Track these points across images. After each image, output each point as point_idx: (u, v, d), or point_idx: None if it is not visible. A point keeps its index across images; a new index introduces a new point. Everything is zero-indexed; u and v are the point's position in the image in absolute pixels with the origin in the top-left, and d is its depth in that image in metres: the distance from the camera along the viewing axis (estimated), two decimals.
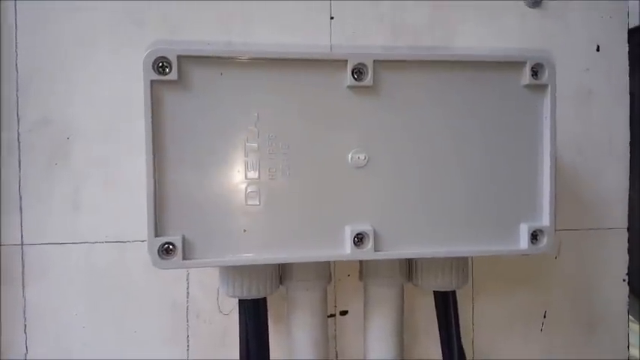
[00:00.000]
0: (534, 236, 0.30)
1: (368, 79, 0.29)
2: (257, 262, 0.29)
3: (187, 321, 0.38)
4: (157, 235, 0.27)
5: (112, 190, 0.37)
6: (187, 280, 0.38)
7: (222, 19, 0.37)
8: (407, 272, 0.35)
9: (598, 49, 0.42)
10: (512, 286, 0.42)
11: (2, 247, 0.36)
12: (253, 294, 0.32)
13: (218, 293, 0.38)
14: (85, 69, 0.36)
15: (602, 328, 0.43)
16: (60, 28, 0.36)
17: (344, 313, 0.40)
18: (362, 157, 0.29)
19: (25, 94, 0.36)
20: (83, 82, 0.36)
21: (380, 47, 0.38)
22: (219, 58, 0.28)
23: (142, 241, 0.31)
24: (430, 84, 0.30)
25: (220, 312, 0.38)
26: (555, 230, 0.30)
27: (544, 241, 0.30)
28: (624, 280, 0.43)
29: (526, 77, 0.30)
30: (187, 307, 0.38)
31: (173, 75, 0.27)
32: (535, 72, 0.30)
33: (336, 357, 0.40)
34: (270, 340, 0.34)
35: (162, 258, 0.27)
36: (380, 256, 0.29)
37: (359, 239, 0.29)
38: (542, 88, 0.30)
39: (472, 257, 0.39)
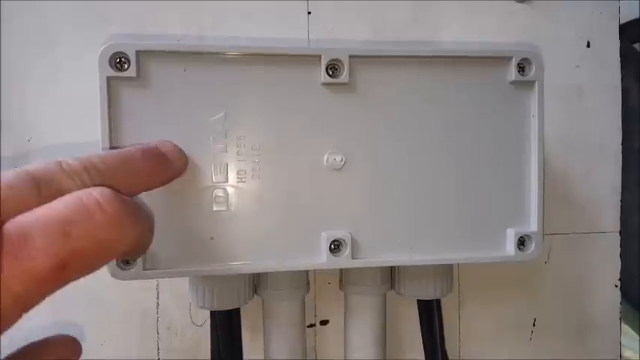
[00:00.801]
0: (521, 242, 0.28)
1: (343, 76, 0.27)
2: (225, 273, 0.27)
3: (157, 333, 0.36)
4: None
5: None
6: (157, 289, 0.36)
7: (193, 14, 0.35)
8: (389, 280, 0.33)
9: (588, 45, 0.41)
10: (500, 293, 0.40)
11: None
12: (225, 305, 0.30)
13: (190, 303, 0.36)
14: (46, 67, 0.34)
15: (593, 335, 0.42)
16: (19, 23, 0.34)
17: (324, 322, 0.38)
18: (338, 158, 0.27)
19: None
20: (44, 80, 0.34)
21: (360, 42, 0.37)
22: (182, 53, 0.26)
23: None
24: (410, 81, 0.28)
25: (193, 323, 0.36)
26: (544, 235, 0.29)
27: (532, 247, 0.29)
28: (616, 286, 0.42)
29: (512, 73, 0.28)
30: (157, 318, 0.36)
31: (132, 71, 0.25)
32: (522, 67, 0.28)
33: None
34: (246, 352, 0.32)
35: (121, 268, 0.25)
36: (358, 264, 0.28)
37: (335, 246, 0.27)
38: (530, 84, 0.28)
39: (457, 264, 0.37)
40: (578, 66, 0.40)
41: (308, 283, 0.34)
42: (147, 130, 0.26)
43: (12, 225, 0.15)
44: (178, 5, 0.35)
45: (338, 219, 0.28)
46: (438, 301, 0.33)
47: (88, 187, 0.18)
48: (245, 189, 0.27)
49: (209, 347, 0.32)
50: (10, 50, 0.34)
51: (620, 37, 0.41)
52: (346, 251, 0.27)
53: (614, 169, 0.41)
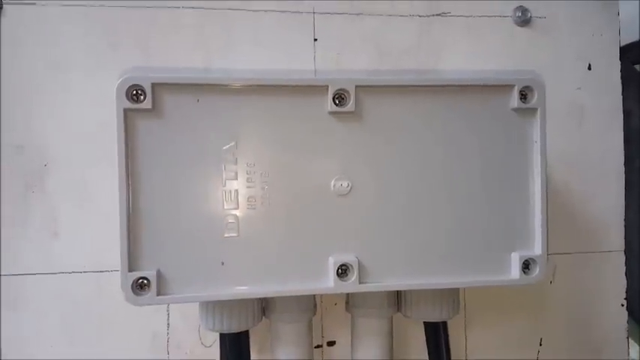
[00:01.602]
0: (526, 266, 0.29)
1: (350, 105, 0.28)
2: (235, 297, 0.28)
3: (168, 353, 0.37)
4: (130, 269, 0.26)
5: (89, 218, 0.35)
6: (168, 310, 0.36)
7: (202, 42, 0.37)
8: (396, 302, 0.34)
9: (590, 68, 0.41)
10: (506, 313, 0.40)
11: None
12: (234, 328, 0.31)
13: (200, 324, 0.37)
14: (61, 93, 0.35)
15: (600, 354, 0.42)
16: (34, 51, 0.35)
17: (331, 343, 0.39)
18: (345, 184, 0.28)
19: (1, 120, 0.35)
20: (59, 106, 0.35)
21: (364, 71, 0.38)
22: (195, 85, 0.27)
23: None
24: (415, 109, 0.28)
25: (202, 344, 0.37)
26: (549, 254, 0.29)
27: (536, 270, 0.29)
28: (622, 305, 0.42)
29: (514, 101, 0.29)
30: (168, 338, 0.37)
31: (147, 103, 0.26)
32: (524, 95, 0.29)
33: None
34: None
35: (137, 294, 0.26)
36: (365, 288, 0.28)
37: (343, 271, 0.28)
38: (532, 111, 0.29)
39: None
40: (579, 88, 0.41)
41: (315, 306, 0.34)
42: (160, 159, 0.26)
43: None
44: (187, 34, 0.36)
45: (345, 244, 0.28)
46: (445, 323, 0.33)
47: None
48: (255, 215, 0.27)
49: None
50: (27, 75, 0.35)
51: (621, 59, 0.42)
52: (353, 276, 0.28)
53: (617, 189, 0.41)
